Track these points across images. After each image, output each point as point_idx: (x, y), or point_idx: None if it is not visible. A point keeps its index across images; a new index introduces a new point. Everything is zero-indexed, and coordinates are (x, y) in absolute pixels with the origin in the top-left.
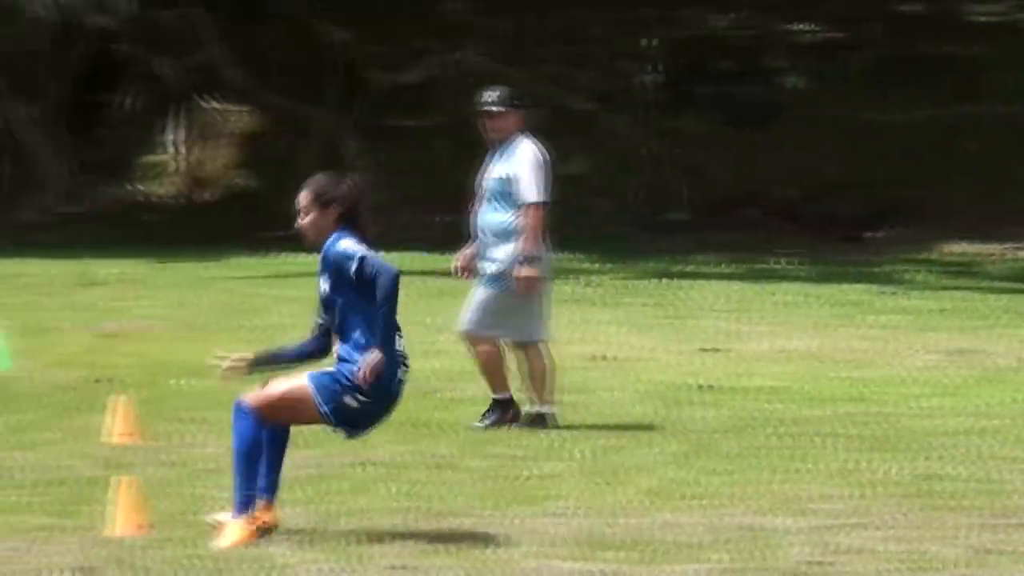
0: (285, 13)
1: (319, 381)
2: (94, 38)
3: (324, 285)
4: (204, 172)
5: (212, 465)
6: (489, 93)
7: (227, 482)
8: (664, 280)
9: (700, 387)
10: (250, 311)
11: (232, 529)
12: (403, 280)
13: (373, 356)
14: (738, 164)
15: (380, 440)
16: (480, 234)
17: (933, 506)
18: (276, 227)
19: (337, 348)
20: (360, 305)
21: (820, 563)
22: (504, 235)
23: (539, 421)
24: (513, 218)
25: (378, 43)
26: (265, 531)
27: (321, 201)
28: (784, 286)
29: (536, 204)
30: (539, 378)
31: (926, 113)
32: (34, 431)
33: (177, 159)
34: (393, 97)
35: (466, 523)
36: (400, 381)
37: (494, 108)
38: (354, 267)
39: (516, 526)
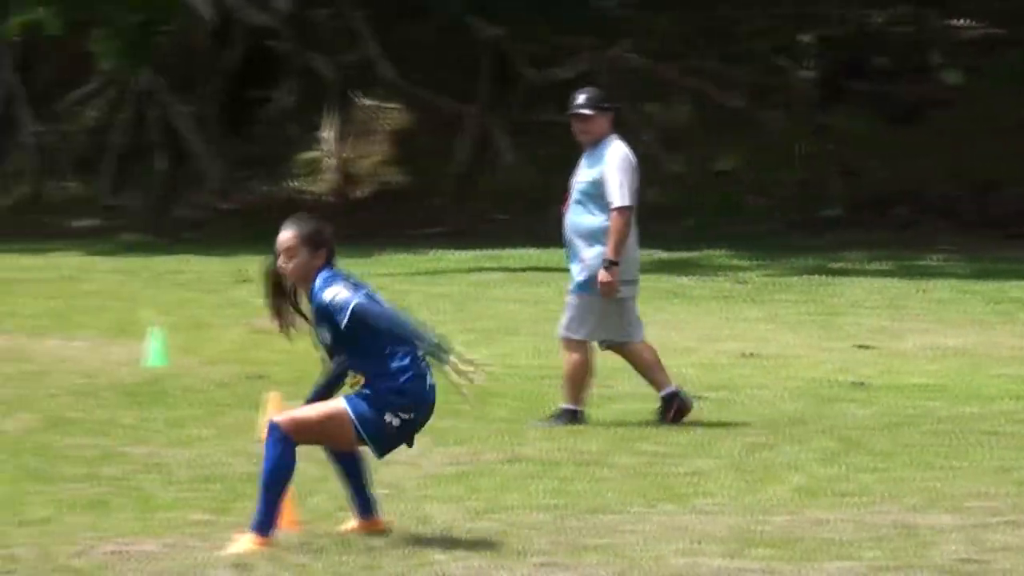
0: (438, 10)
1: (357, 406)
2: (251, 35)
3: (325, 335)
4: (357, 169)
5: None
6: (579, 95)
7: (377, 478)
8: (816, 277)
9: (852, 384)
10: (402, 308)
11: (243, 541)
12: (552, 276)
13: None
14: (893, 161)
15: (530, 437)
16: (568, 236)
17: None
18: (427, 224)
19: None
20: (369, 340)
21: (975, 561)
22: (591, 237)
23: (675, 402)
24: (601, 221)
25: (531, 39)
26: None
27: (313, 243)
28: (939, 283)
29: (621, 208)
30: (652, 366)
31: None
32: (190, 427)
33: (331, 156)
34: (545, 93)
35: (615, 520)
36: (432, 386)
37: (583, 110)
38: (345, 320)
39: (665, 523)
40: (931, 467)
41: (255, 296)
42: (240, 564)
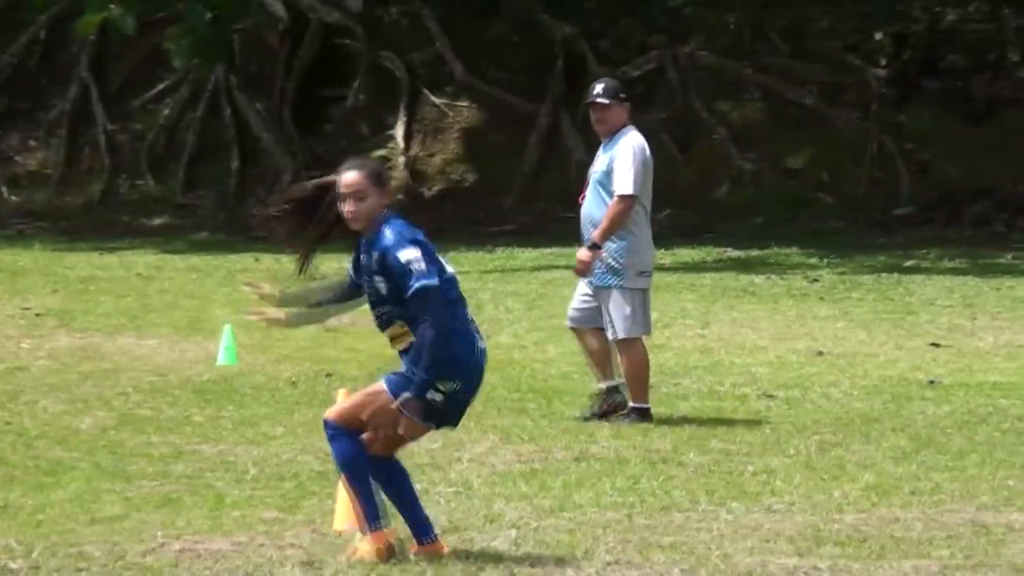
0: (510, 8)
1: (396, 386)
2: (324, 34)
3: (380, 286)
4: (427, 166)
5: (427, 460)
6: (597, 85)
7: (438, 476)
8: (888, 275)
9: (926, 382)
10: (473, 306)
11: (363, 547)
12: None
13: None
14: (966, 159)
15: (599, 436)
16: (584, 226)
17: None
18: (497, 222)
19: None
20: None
21: None
22: None
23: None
24: None
25: (603, 37)
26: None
27: (380, 181)
28: (1014, 281)
29: (624, 195)
30: (607, 355)
31: None
32: (261, 425)
33: (401, 153)
34: None
35: (684, 518)
36: (482, 351)
37: (600, 100)
38: (412, 292)
39: (735, 521)
40: (1005, 465)
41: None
42: (309, 562)
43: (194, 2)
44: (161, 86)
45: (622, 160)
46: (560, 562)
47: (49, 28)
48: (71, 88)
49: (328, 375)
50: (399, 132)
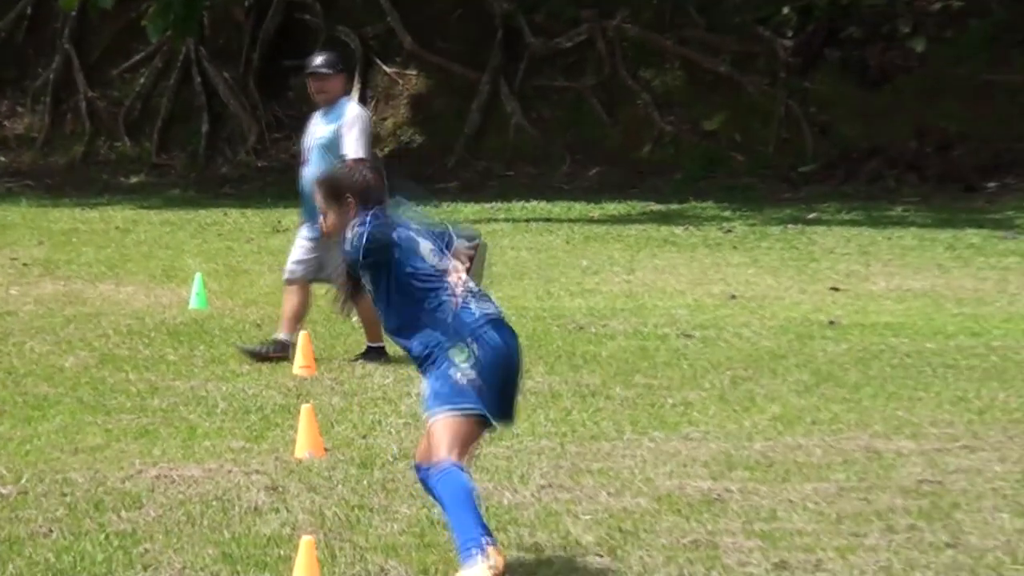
0: None
1: (428, 389)
2: (285, 9)
3: (368, 286)
4: (380, 129)
5: (380, 394)
6: (316, 57)
7: (389, 409)
8: (793, 226)
9: (826, 323)
10: None
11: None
12: (556, 226)
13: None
14: (863, 121)
15: (535, 372)
16: (308, 191)
17: None
18: (443, 179)
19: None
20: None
21: (934, 482)
22: None
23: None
24: None
25: (537, 12)
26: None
27: (334, 194)
28: (904, 231)
29: (357, 160)
30: (300, 314)
31: None
32: (229, 363)
33: None
34: (550, 61)
35: (611, 446)
36: (490, 319)
37: (322, 70)
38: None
39: (656, 449)
40: (895, 398)
41: (287, 245)
42: (272, 486)
43: None
44: (137, 57)
45: (350, 127)
46: (499, 486)
47: (35, 4)
48: (55, 59)
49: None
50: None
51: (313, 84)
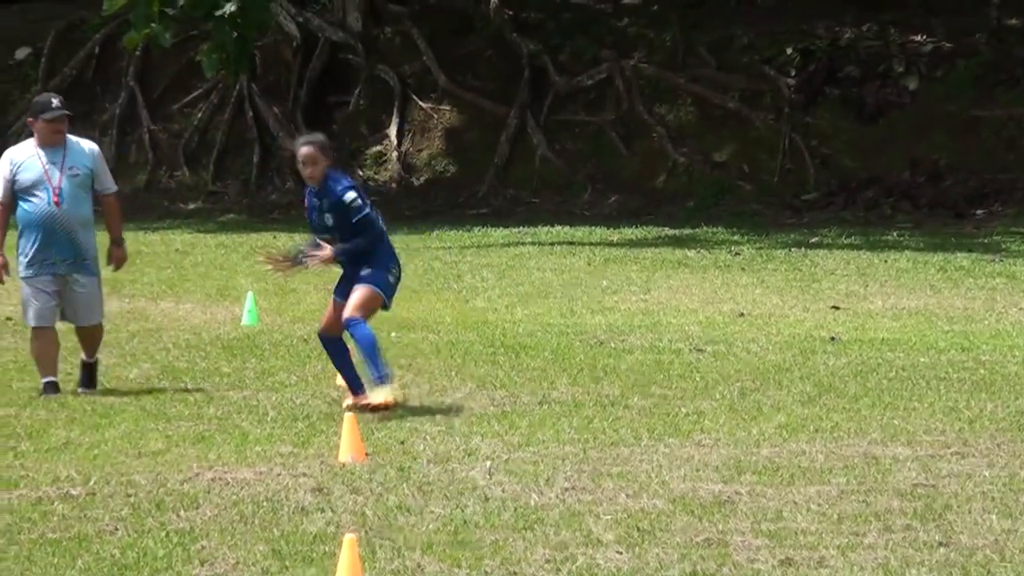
0: (485, 28)
1: (377, 281)
2: (330, 50)
3: (328, 221)
4: (415, 160)
5: (418, 404)
6: (53, 99)
7: (426, 418)
8: (797, 249)
9: (827, 339)
10: (453, 276)
11: (382, 392)
12: (578, 249)
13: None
14: (861, 153)
15: (559, 384)
16: (71, 223)
17: None
18: (474, 206)
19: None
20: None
21: (927, 486)
22: (90, 224)
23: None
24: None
25: (561, 52)
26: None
27: (324, 149)
28: (899, 254)
29: (116, 192)
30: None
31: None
32: (279, 375)
33: (394, 149)
34: (572, 97)
35: (629, 452)
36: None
37: (66, 112)
38: (356, 218)
39: (672, 454)
40: (892, 408)
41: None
42: (318, 488)
43: (222, 22)
44: (195, 93)
45: (101, 163)
46: (526, 488)
47: (102, 44)
48: (121, 95)
49: None
50: (393, 132)
51: (55, 126)
